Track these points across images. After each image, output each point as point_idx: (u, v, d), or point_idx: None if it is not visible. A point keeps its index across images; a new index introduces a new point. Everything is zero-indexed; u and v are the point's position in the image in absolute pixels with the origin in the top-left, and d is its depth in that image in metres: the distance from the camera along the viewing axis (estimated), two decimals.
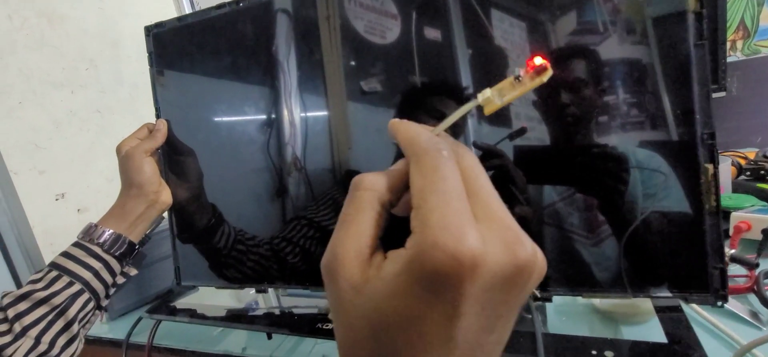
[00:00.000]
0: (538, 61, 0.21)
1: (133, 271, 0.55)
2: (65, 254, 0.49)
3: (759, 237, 0.57)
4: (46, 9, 0.92)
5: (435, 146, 0.19)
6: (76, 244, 0.50)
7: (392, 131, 0.22)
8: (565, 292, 0.40)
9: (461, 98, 0.42)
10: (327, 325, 0.52)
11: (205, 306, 0.65)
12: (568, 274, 0.40)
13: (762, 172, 0.80)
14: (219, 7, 0.53)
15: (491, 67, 0.41)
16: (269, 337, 0.57)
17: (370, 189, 0.20)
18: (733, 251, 0.53)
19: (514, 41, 0.40)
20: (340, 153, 0.49)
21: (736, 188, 0.76)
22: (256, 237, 0.54)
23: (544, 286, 0.40)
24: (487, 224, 0.17)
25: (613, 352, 0.40)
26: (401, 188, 0.21)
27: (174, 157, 0.57)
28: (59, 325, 0.46)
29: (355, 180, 0.21)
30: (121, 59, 1.08)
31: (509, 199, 0.39)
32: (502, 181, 0.39)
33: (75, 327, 0.47)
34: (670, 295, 0.36)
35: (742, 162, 0.87)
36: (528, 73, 0.22)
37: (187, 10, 1.27)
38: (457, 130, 0.42)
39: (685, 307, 0.47)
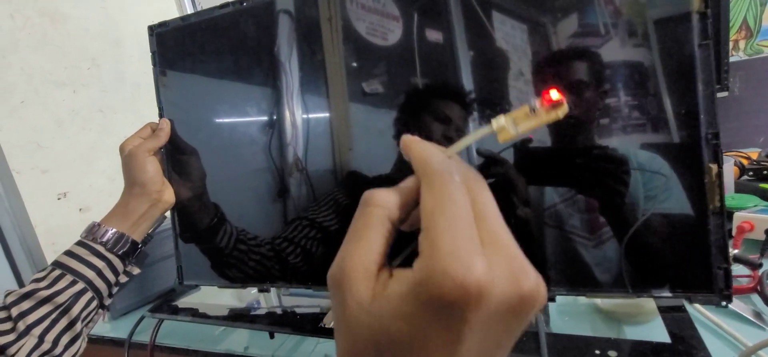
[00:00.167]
0: (555, 95, 0.21)
1: (136, 270, 0.55)
2: (68, 253, 0.49)
3: (762, 237, 0.57)
4: (48, 8, 0.92)
5: (447, 169, 0.20)
6: (79, 243, 0.50)
7: (405, 148, 0.22)
8: (568, 292, 0.40)
9: (463, 100, 0.42)
10: (329, 324, 0.52)
11: (207, 305, 0.65)
12: (570, 275, 0.40)
13: (765, 172, 0.80)
14: (222, 6, 0.53)
15: (492, 69, 0.41)
16: (272, 336, 0.57)
17: (381, 206, 0.20)
18: (736, 251, 0.53)
19: (515, 44, 0.40)
20: (342, 154, 0.49)
21: (739, 188, 0.75)
22: (258, 237, 0.54)
23: (546, 286, 0.40)
24: (493, 251, 0.18)
25: (617, 351, 0.40)
26: (411, 206, 0.21)
27: (177, 157, 0.57)
28: (62, 323, 0.46)
29: (366, 195, 0.21)
30: (123, 59, 1.08)
31: (511, 206, 0.39)
32: (504, 189, 0.40)
33: (78, 326, 0.47)
34: (674, 295, 0.36)
35: (745, 162, 0.87)
36: (543, 106, 0.22)
37: (189, 10, 1.27)
38: (459, 134, 0.42)
39: (688, 307, 0.47)
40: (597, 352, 0.41)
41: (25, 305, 0.45)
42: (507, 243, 0.18)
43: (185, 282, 0.60)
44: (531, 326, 0.43)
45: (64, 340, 0.46)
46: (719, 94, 0.65)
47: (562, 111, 0.21)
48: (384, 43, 0.46)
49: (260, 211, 0.54)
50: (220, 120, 0.56)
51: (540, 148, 0.39)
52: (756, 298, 0.48)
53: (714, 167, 0.34)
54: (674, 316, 0.45)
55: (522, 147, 0.40)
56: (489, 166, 0.40)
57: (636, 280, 0.38)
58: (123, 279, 0.53)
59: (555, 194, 0.40)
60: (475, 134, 0.23)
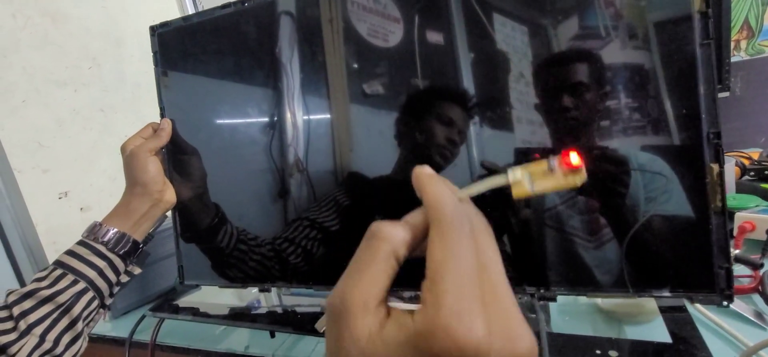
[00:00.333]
0: (575, 159, 0.21)
1: (137, 270, 0.55)
2: (70, 253, 0.49)
3: (763, 237, 0.57)
4: (49, 8, 0.92)
5: (458, 219, 0.20)
6: (80, 243, 0.50)
7: (418, 185, 0.22)
8: (569, 291, 0.40)
9: (463, 102, 0.42)
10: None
11: (208, 304, 0.65)
12: (571, 275, 0.40)
13: (766, 172, 0.80)
14: (224, 6, 0.53)
15: (493, 71, 0.41)
16: (272, 335, 0.57)
17: (388, 241, 0.20)
18: (737, 251, 0.53)
19: (516, 46, 0.40)
20: (342, 155, 0.49)
21: (740, 188, 0.75)
22: (259, 237, 0.54)
23: (547, 286, 0.40)
24: (493, 310, 0.18)
25: (618, 351, 0.40)
26: (418, 243, 0.21)
27: (178, 157, 0.57)
28: (64, 323, 0.46)
29: (374, 228, 0.21)
30: (124, 58, 1.08)
31: (512, 209, 0.40)
32: (503, 204, 0.40)
33: (79, 325, 0.47)
34: (675, 295, 0.36)
35: (746, 162, 0.87)
36: (561, 166, 0.21)
37: (190, 10, 1.27)
38: (462, 137, 0.42)
39: (689, 307, 0.47)
40: (598, 351, 0.41)
41: (27, 304, 0.45)
42: (506, 300, 0.19)
43: (186, 282, 0.60)
44: (532, 326, 0.43)
45: (65, 339, 0.46)
46: (720, 95, 0.65)
47: (580, 178, 0.21)
48: (385, 45, 0.46)
49: (261, 211, 0.54)
50: (221, 120, 0.56)
51: (540, 149, 0.39)
52: (757, 298, 0.48)
53: (715, 167, 0.34)
54: (675, 316, 0.45)
55: (522, 148, 0.40)
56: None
57: (637, 280, 0.38)
58: (124, 278, 0.54)
59: (556, 195, 0.40)
60: (489, 182, 0.23)
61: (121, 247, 0.51)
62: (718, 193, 0.34)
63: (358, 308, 0.19)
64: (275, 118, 0.52)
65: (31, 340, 0.43)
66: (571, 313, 0.51)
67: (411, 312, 0.19)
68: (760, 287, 0.48)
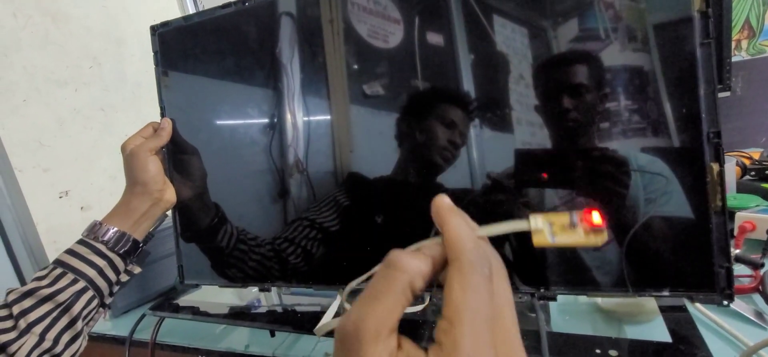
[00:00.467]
0: (597, 219, 0.21)
1: (137, 269, 0.55)
2: (70, 252, 0.49)
3: (764, 237, 0.57)
4: (50, 7, 0.92)
5: (480, 262, 0.20)
6: (80, 242, 0.50)
7: (438, 219, 0.22)
8: (569, 291, 0.40)
9: (465, 104, 0.42)
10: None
11: (208, 303, 0.65)
12: (571, 276, 0.40)
13: (767, 172, 0.80)
14: (224, 6, 0.53)
15: (493, 72, 0.41)
16: (272, 334, 0.57)
17: (406, 272, 0.20)
18: (737, 251, 0.52)
19: (516, 47, 0.40)
20: (342, 156, 0.49)
21: (741, 188, 0.75)
22: (258, 237, 0.54)
23: (547, 285, 0.40)
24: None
25: (618, 351, 0.40)
26: (436, 275, 0.22)
27: (178, 156, 0.57)
28: (63, 322, 0.46)
29: (393, 257, 0.21)
30: (125, 58, 1.08)
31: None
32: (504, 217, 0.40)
33: (79, 324, 0.47)
34: (675, 294, 0.36)
35: (747, 162, 0.87)
36: (582, 223, 0.21)
37: (191, 10, 1.27)
38: (463, 139, 0.42)
39: (689, 306, 0.47)
40: (598, 351, 0.41)
41: (27, 303, 0.45)
42: (517, 350, 0.20)
43: (186, 281, 0.60)
44: (532, 325, 0.43)
45: (65, 338, 0.46)
46: (721, 94, 0.65)
47: (601, 239, 0.21)
48: (385, 46, 0.46)
49: (261, 211, 0.54)
50: (222, 121, 0.56)
51: (540, 150, 0.39)
52: (757, 297, 0.48)
53: (715, 166, 0.34)
54: (675, 316, 0.45)
55: (523, 149, 0.40)
56: (495, 191, 0.40)
57: (637, 279, 0.38)
58: (124, 278, 0.54)
59: (555, 196, 0.40)
60: (509, 225, 0.23)
61: (121, 246, 0.51)
62: (718, 193, 0.34)
63: (370, 336, 0.19)
64: (275, 119, 0.52)
65: (31, 338, 0.44)
66: (571, 312, 0.51)
67: (424, 349, 0.19)
68: (760, 287, 0.48)
